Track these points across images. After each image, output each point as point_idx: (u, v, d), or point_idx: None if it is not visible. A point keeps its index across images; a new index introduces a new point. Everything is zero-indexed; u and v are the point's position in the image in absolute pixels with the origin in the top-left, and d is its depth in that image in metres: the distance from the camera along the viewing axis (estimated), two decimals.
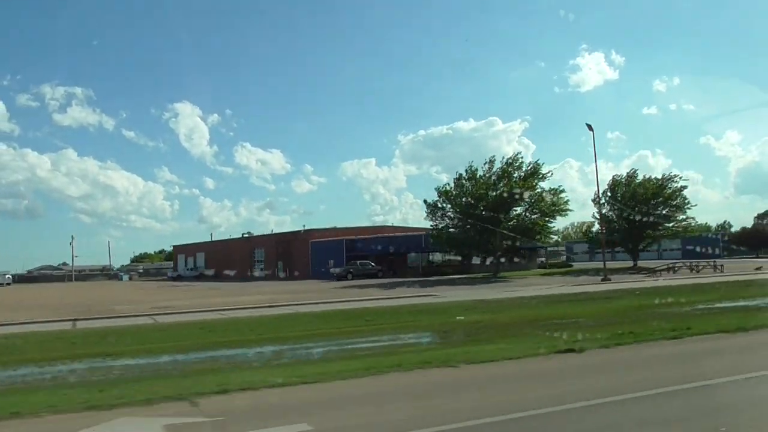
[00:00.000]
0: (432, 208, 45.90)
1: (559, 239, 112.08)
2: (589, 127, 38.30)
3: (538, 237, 46.51)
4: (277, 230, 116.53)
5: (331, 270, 52.98)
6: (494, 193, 43.66)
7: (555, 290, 28.74)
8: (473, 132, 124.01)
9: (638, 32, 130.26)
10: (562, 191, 45.95)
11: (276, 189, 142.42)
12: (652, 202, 50.10)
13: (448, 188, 45.82)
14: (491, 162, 45.24)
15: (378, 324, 17.20)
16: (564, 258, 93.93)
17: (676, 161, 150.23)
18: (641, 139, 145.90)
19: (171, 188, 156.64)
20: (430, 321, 17.76)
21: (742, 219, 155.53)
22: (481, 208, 43.09)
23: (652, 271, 42.63)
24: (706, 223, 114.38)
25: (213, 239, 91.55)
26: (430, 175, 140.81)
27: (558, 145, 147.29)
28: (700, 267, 42.36)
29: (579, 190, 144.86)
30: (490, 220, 42.77)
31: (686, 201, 51.12)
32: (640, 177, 52.75)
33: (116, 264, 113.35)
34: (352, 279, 49.21)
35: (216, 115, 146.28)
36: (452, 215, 45.54)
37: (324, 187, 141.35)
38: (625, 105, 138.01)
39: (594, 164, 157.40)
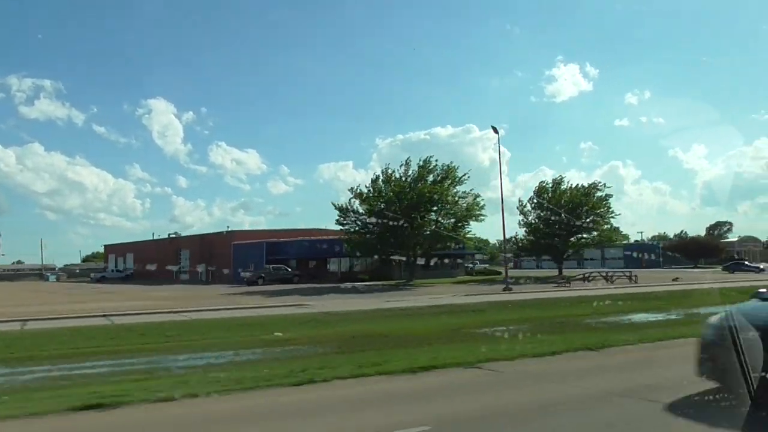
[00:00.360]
0: (343, 212, 43.67)
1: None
2: (495, 129, 36.82)
3: (450, 243, 44.95)
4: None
5: (242, 274, 50.34)
6: (409, 196, 41.66)
7: (441, 301, 26.97)
8: (450, 138, 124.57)
9: (612, 46, 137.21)
10: (478, 196, 44.62)
11: (251, 189, 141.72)
12: (576, 210, 49.02)
13: (363, 190, 43.75)
14: (407, 164, 43.40)
15: (175, 341, 15.00)
16: (511, 264, 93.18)
17: (646, 172, 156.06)
18: (613, 150, 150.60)
19: (142, 186, 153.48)
20: (241, 338, 15.57)
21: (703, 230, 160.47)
22: (397, 211, 41.14)
23: (567, 281, 41.42)
24: (663, 232, 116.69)
25: (153, 239, 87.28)
26: None
27: (533, 154, 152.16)
28: (615, 278, 41.32)
29: None
30: (403, 224, 40.89)
31: (610, 210, 50.40)
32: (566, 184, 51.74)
33: (70, 263, 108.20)
34: (263, 284, 46.67)
35: (191, 112, 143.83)
36: (365, 219, 43.31)
37: (300, 189, 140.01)
38: (598, 116, 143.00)
39: (568, 173, 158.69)
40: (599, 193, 50.14)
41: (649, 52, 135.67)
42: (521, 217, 51.80)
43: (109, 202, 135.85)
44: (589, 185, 50.83)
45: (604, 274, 42.93)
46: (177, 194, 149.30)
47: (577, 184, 51.30)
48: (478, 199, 44.10)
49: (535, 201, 51.25)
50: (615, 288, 34.94)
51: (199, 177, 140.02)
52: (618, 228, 52.23)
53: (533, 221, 51.55)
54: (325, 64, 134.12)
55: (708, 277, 48.66)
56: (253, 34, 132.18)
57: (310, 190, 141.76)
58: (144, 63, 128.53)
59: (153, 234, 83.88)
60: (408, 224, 41.26)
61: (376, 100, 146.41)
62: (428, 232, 42.83)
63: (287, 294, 33.69)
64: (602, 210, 50.07)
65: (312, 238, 58.11)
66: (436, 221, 43.76)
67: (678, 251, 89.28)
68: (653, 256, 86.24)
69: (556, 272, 52.09)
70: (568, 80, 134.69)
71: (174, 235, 72.78)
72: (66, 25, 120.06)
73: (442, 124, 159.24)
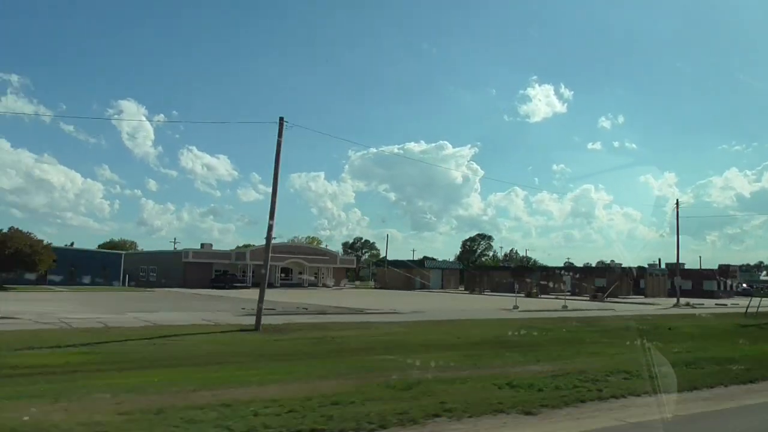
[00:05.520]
0: None
1: None
2: None
3: None
4: (221, 239, 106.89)
5: None
6: None
7: None
8: (423, 154, 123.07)
9: (588, 69, 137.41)
10: None
11: (221, 196, 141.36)
12: None
13: None
14: None
15: None
16: None
17: (618, 197, 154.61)
18: (585, 174, 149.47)
19: (111, 187, 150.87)
20: None
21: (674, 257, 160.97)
22: None
23: None
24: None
25: None
26: (379, 193, 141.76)
27: (505, 173, 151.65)
28: None
29: (524, 219, 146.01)
30: None
31: None
32: None
33: None
34: None
35: (162, 115, 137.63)
36: None
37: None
38: (571, 139, 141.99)
39: (540, 194, 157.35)
40: None
41: (625, 77, 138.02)
42: None
43: (76, 201, 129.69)
44: None
45: None
46: (147, 197, 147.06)
47: None
48: None
49: None
50: None
51: (169, 181, 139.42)
52: None
53: None
54: (297, 74, 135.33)
55: None
56: (227, 40, 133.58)
57: (281, 199, 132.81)
58: (115, 63, 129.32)
59: None
60: None
61: (350, 112, 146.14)
62: None
63: None
64: None
65: None
66: None
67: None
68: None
69: None
70: (542, 101, 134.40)
71: None
72: (35, 21, 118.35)
73: (415, 140, 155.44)
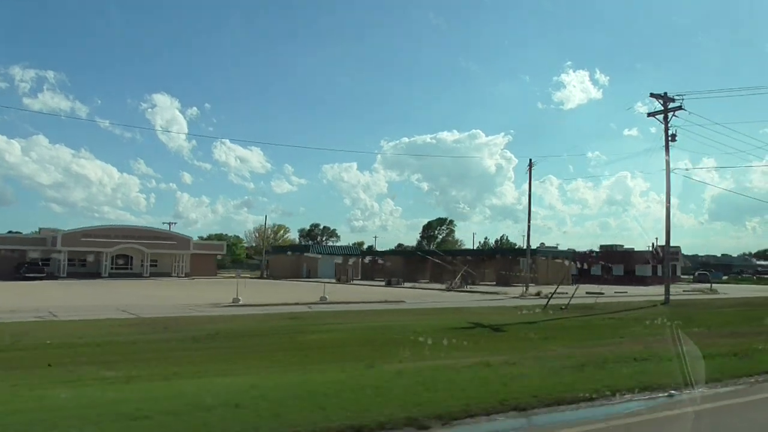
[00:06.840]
0: None
1: None
2: None
3: None
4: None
5: None
6: None
7: None
8: (456, 143, 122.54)
9: (623, 53, 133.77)
10: None
11: (255, 188, 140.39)
12: None
13: None
14: None
15: None
16: None
17: (654, 185, 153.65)
18: (621, 160, 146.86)
19: (147, 181, 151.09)
20: None
21: (715, 244, 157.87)
22: None
23: None
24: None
25: None
26: (411, 183, 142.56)
27: (540, 161, 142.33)
28: None
29: (558, 207, 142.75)
30: None
31: None
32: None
33: None
34: None
35: (195, 108, 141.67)
36: None
37: (304, 189, 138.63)
38: (606, 125, 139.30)
39: (575, 182, 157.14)
40: None
41: (662, 61, 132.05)
42: None
43: (113, 195, 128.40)
44: None
45: None
46: (182, 190, 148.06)
47: None
48: None
49: None
50: None
51: (204, 174, 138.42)
52: None
53: None
54: (330, 64, 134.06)
55: None
56: (258, 32, 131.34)
57: (314, 190, 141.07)
58: (148, 57, 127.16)
59: None
60: None
61: (382, 102, 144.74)
62: None
63: None
64: None
65: None
66: None
67: None
68: None
69: None
70: (577, 87, 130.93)
71: None
72: (68, 16, 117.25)
73: (448, 129, 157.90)
